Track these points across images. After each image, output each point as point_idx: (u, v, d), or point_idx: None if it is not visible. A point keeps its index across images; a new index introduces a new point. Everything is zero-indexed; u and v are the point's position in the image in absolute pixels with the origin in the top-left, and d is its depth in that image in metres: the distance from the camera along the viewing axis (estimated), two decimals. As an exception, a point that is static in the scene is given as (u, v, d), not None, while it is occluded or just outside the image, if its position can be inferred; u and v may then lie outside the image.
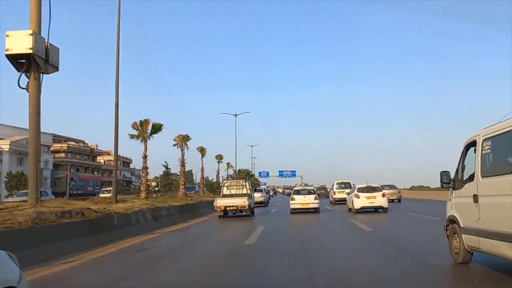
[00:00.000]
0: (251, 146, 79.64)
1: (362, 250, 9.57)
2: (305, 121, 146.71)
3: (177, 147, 30.01)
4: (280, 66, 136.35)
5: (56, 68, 11.32)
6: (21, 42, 10.36)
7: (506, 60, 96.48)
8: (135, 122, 21.90)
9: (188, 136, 30.32)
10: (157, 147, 51.79)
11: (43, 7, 11.19)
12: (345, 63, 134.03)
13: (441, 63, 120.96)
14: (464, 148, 6.85)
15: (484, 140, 6.02)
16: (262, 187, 53.25)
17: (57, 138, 71.07)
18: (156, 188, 72.97)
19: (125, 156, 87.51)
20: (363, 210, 21.36)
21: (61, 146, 70.51)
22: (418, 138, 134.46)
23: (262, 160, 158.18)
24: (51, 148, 67.26)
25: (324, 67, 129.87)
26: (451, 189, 7.19)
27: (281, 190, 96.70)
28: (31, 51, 10.34)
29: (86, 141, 78.52)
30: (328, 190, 41.53)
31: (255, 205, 26.26)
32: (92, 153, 78.57)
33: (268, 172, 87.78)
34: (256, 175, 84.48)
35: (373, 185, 22.32)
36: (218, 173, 50.74)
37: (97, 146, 78.87)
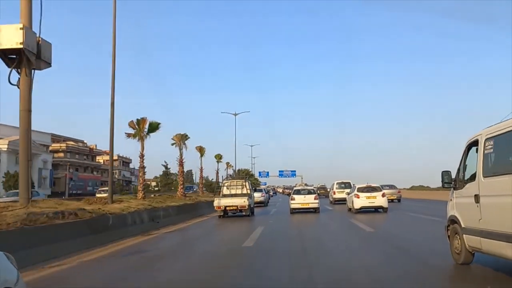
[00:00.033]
0: (251, 146, 79.71)
1: (362, 250, 9.51)
2: (305, 121, 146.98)
3: (175, 146, 29.81)
4: (280, 66, 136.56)
5: (48, 64, 10.99)
6: (11, 36, 9.97)
7: (506, 60, 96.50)
8: (132, 121, 21.55)
9: (187, 135, 30.03)
10: (157, 147, 51.87)
11: (34, 1, 10.84)
12: (345, 63, 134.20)
13: (441, 63, 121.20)
14: (466, 147, 6.79)
15: (486, 139, 5.95)
16: (262, 187, 53.14)
17: (56, 138, 70.99)
18: (156, 188, 72.83)
19: (124, 156, 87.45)
20: (363, 210, 21.31)
21: (60, 146, 70.24)
22: (418, 138, 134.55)
23: (262, 160, 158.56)
24: (50, 148, 67.26)
25: (324, 67, 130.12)
26: (452, 189, 7.12)
27: (281, 190, 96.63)
28: (21, 46, 9.97)
29: (85, 141, 78.44)
30: (328, 190, 41.44)
31: (255, 205, 26.21)
32: (92, 153, 78.43)
33: (268, 172, 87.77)
34: (256, 175, 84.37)
35: (373, 185, 22.27)
36: (217, 173, 50.57)
37: (96, 146, 78.74)
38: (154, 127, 21.92)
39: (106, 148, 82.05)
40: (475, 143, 6.39)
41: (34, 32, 10.62)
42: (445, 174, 7.08)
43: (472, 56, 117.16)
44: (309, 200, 22.51)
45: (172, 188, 63.11)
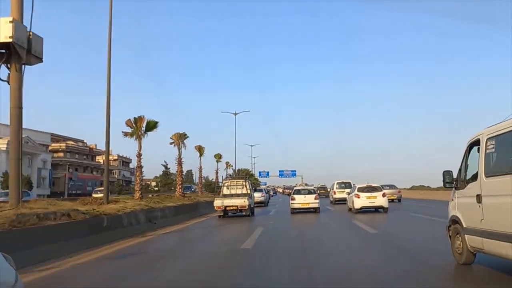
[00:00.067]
0: (251, 146, 79.59)
1: (362, 250, 9.47)
2: (305, 121, 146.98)
3: (174, 145, 29.25)
4: (280, 66, 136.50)
5: (40, 59, 10.64)
6: (0, 30, 9.61)
7: (506, 60, 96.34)
8: (129, 119, 20.93)
9: (185, 134, 29.43)
10: (157, 147, 51.77)
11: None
12: (345, 63, 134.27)
13: (441, 63, 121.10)
14: (467, 147, 6.73)
15: (488, 139, 5.90)
16: (262, 187, 53.01)
17: (55, 138, 70.92)
18: (156, 188, 72.75)
19: (124, 156, 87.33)
20: (364, 210, 21.23)
21: (60, 146, 70.06)
22: (418, 138, 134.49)
23: (263, 160, 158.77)
24: (50, 148, 67.19)
25: (324, 67, 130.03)
26: (453, 189, 7.07)
27: (281, 190, 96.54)
28: (11, 40, 9.61)
29: (85, 141, 78.30)
30: (328, 190, 41.30)
31: (255, 205, 26.16)
32: (91, 153, 78.28)
33: (268, 172, 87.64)
34: (256, 175, 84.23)
35: (373, 185, 22.20)
36: (217, 172, 50.18)
37: (96, 145, 78.47)
38: (151, 125, 21.29)
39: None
40: (476, 142, 6.34)
41: (25, 26, 10.26)
42: (447, 174, 7.03)
43: (472, 56, 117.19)
44: (310, 200, 22.45)
45: (172, 188, 63.02)
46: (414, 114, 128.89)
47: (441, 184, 7.30)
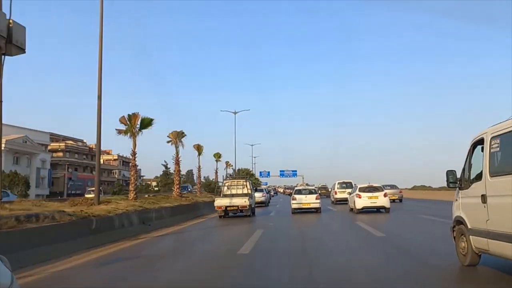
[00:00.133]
0: (252, 145, 79.57)
1: (363, 251, 9.42)
2: (305, 121, 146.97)
3: (171, 144, 28.57)
4: (280, 66, 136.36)
5: (21, 50, 10.19)
6: None
7: (506, 60, 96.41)
8: (123, 116, 20.13)
9: (183, 133, 28.67)
10: (158, 147, 51.62)
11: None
12: (345, 63, 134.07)
13: (441, 63, 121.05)
14: (471, 146, 6.64)
15: (493, 138, 5.82)
16: (263, 186, 53.00)
17: (55, 137, 70.72)
18: (156, 188, 72.64)
19: (125, 156, 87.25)
20: (365, 210, 21.21)
21: (59, 145, 69.80)
22: (418, 138, 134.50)
23: (263, 159, 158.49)
24: (49, 147, 66.92)
25: (324, 67, 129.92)
26: (457, 189, 6.98)
27: (282, 190, 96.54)
28: None
29: (84, 140, 78.12)
30: (329, 190, 41.30)
31: (256, 205, 26.05)
32: (91, 152, 77.83)
33: (269, 172, 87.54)
34: (257, 175, 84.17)
35: (375, 185, 22.15)
36: (216, 172, 49.83)
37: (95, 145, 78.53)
38: (146, 123, 20.58)
39: (106, 147, 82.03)
40: (480, 141, 6.26)
41: (4, 13, 9.84)
42: (450, 173, 6.94)
43: (472, 56, 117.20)
44: (311, 200, 22.43)
45: (172, 188, 62.93)
46: (414, 114, 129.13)
47: (443, 184, 7.29)
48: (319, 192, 27.16)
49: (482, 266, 6.53)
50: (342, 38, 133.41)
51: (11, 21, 10.17)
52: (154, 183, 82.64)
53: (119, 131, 20.36)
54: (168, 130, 28.56)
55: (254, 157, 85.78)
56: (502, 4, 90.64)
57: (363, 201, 20.99)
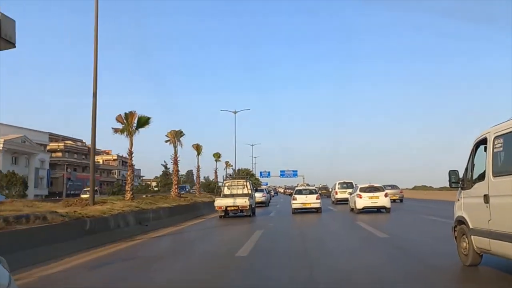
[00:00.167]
0: (252, 145, 79.55)
1: (364, 251, 9.39)
2: (306, 121, 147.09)
3: (170, 143, 28.26)
4: (280, 66, 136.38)
5: (11, 44, 10.20)
6: None
7: (506, 60, 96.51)
8: (120, 115, 19.62)
9: (182, 132, 28.29)
10: (157, 147, 51.58)
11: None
12: (345, 63, 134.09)
13: (441, 63, 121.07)
14: (474, 146, 6.60)
15: (496, 137, 5.78)
16: (263, 187, 52.97)
17: (54, 137, 70.51)
18: (156, 188, 72.61)
19: (124, 156, 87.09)
20: (366, 210, 21.18)
21: (58, 145, 69.42)
22: (418, 138, 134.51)
23: (264, 159, 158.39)
24: (48, 147, 66.65)
25: (324, 67, 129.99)
26: (459, 189, 6.94)
27: (282, 190, 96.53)
28: None
29: (84, 140, 77.88)
30: (330, 190, 41.29)
31: (256, 205, 26.04)
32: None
33: (269, 172, 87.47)
34: (257, 175, 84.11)
35: (375, 185, 22.11)
36: (215, 172, 49.63)
37: (95, 145, 78.41)
38: (143, 121, 20.04)
39: (105, 147, 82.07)
40: (483, 141, 6.22)
41: None
42: (452, 173, 6.89)
43: (472, 56, 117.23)
44: (311, 200, 22.41)
45: (171, 188, 62.84)
46: (414, 114, 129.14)
47: (444, 184, 7.32)
48: (320, 192, 27.14)
49: (484, 266, 6.50)
50: (342, 38, 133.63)
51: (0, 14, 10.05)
52: (154, 183, 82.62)
53: (116, 130, 19.97)
54: (168, 130, 28.39)
55: (255, 157, 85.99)
56: (502, 4, 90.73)
57: (363, 201, 20.97)
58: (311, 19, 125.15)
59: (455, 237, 7.04)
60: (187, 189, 45.41)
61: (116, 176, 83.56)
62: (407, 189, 50.85)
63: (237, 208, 20.67)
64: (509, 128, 5.47)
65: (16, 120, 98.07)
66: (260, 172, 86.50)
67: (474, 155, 6.58)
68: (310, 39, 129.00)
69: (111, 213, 12.98)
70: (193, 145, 36.38)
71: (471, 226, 6.34)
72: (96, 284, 6.87)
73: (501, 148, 5.64)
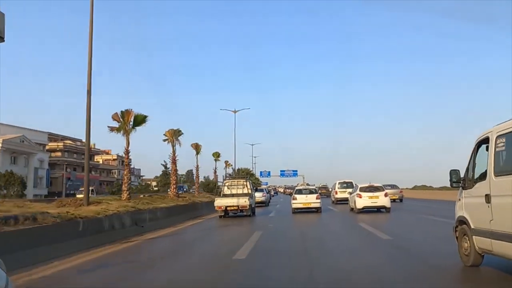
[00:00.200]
0: (252, 145, 79.47)
1: (365, 251, 9.35)
2: (306, 121, 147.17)
3: (168, 142, 27.87)
4: (280, 66, 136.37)
5: (0, 38, 9.91)
6: None
7: (506, 60, 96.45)
8: (116, 113, 19.14)
9: (180, 131, 27.89)
10: (157, 146, 51.55)
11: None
12: (345, 63, 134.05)
13: (441, 63, 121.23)
14: (475, 145, 6.56)
15: (498, 136, 5.73)
16: (263, 186, 52.91)
17: (53, 137, 70.36)
18: (156, 188, 72.55)
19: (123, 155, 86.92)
20: (366, 210, 21.16)
21: (57, 145, 69.17)
22: (418, 138, 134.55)
23: (264, 159, 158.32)
24: (47, 147, 66.54)
25: (324, 67, 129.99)
26: (460, 188, 6.89)
27: (282, 190, 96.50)
28: None
29: (83, 140, 77.65)
30: (330, 189, 41.27)
31: (256, 205, 26.01)
32: (90, 152, 77.39)
33: (269, 172, 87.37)
34: (257, 175, 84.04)
35: (375, 185, 22.07)
36: (215, 171, 49.32)
37: (94, 145, 78.08)
38: (140, 120, 19.50)
39: (105, 147, 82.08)
40: (485, 140, 6.18)
41: None
42: (454, 173, 6.84)
43: (472, 56, 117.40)
44: (311, 200, 22.40)
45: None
46: (414, 114, 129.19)
47: (444, 184, 7.29)
48: (320, 192, 27.13)
49: (485, 266, 6.46)
50: (342, 38, 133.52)
51: None
52: (154, 183, 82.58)
53: (112, 128, 19.55)
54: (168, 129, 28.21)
55: (255, 157, 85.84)
56: (502, 4, 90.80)
57: (363, 200, 20.95)
58: (311, 19, 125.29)
59: (456, 237, 7.00)
60: (184, 189, 45.26)
61: (116, 176, 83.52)
62: (407, 189, 50.84)
63: (237, 208, 20.64)
64: (511, 127, 5.42)
65: (15, 120, 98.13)
66: (260, 172, 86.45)
67: (476, 155, 6.53)
68: (310, 39, 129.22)
69: (105, 214, 12.58)
70: (192, 145, 36.08)
71: (472, 226, 6.30)
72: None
73: (504, 148, 5.60)
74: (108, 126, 19.61)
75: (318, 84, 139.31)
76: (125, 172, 20.64)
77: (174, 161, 28.33)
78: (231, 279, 6.78)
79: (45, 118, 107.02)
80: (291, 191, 37.24)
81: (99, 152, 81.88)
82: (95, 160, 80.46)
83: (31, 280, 6.96)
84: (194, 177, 41.95)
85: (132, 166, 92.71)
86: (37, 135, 62.21)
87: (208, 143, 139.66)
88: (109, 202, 15.91)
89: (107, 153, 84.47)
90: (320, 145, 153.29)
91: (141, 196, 25.52)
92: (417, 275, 6.38)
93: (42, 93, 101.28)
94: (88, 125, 15.05)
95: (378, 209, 21.33)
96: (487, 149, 6.07)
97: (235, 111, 55.03)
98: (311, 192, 23.33)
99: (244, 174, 59.39)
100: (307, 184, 46.48)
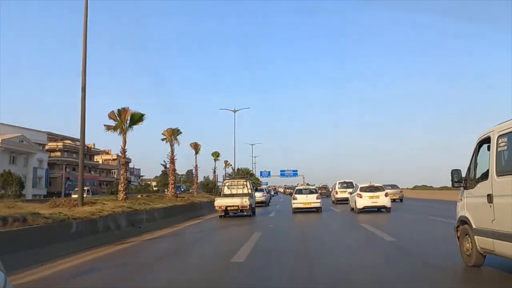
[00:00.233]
0: (252, 145, 79.44)
1: (363, 250, 9.35)
2: (306, 121, 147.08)
3: (166, 142, 27.57)
4: (280, 66, 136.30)
5: None
6: None
7: (506, 60, 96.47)
8: (112, 111, 18.74)
9: (178, 130, 27.59)
10: (157, 146, 51.50)
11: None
12: (345, 63, 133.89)
13: (441, 63, 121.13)
14: (477, 145, 6.52)
15: (500, 136, 5.69)
16: (263, 186, 52.87)
17: (52, 137, 70.28)
18: (155, 188, 72.58)
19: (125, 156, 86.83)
20: (366, 210, 21.13)
21: (57, 145, 69.13)
22: (418, 138, 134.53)
23: (264, 159, 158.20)
24: (46, 147, 66.48)
25: (324, 67, 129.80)
26: (462, 188, 6.86)
27: (282, 190, 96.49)
28: None
29: (83, 140, 77.58)
30: (330, 189, 41.25)
31: (256, 204, 25.98)
32: (89, 152, 77.50)
33: (269, 172, 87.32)
34: (257, 175, 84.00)
35: (375, 185, 22.04)
36: (214, 171, 49.20)
37: (94, 145, 78.05)
38: (137, 118, 19.11)
39: (104, 147, 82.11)
40: (486, 140, 6.14)
41: None
42: (455, 173, 6.80)
43: (472, 55, 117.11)
44: (311, 200, 22.39)
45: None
46: (414, 114, 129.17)
47: (444, 184, 7.25)
48: (319, 192, 27.10)
49: (487, 267, 6.44)
50: (342, 38, 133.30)
51: None
52: (154, 183, 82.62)
53: (108, 127, 19.21)
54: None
55: (255, 157, 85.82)
56: (502, 4, 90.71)
57: (364, 200, 20.92)
58: (311, 19, 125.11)
59: (458, 237, 6.96)
60: (182, 189, 45.15)
61: (115, 176, 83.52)
62: (407, 189, 50.83)
63: (237, 207, 20.62)
64: None
65: (15, 119, 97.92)
66: (260, 172, 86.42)
67: (477, 154, 6.50)
68: (310, 39, 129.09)
69: (100, 215, 12.25)
70: (191, 144, 35.88)
71: (474, 226, 6.27)
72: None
73: (505, 147, 5.56)
74: (105, 125, 19.26)
75: (318, 84, 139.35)
76: (122, 172, 20.27)
77: (172, 161, 28.00)
78: (231, 279, 6.74)
79: (45, 118, 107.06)
80: (291, 191, 37.23)
81: (98, 152, 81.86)
82: (95, 160, 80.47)
83: (15, 286, 6.55)
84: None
85: (132, 166, 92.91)
86: (36, 135, 62.15)
87: (208, 143, 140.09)
88: (104, 202, 15.52)
89: (107, 153, 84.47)
90: (320, 145, 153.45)
91: (139, 196, 25.21)
92: (418, 275, 6.36)
93: (41, 93, 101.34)
94: (83, 121, 14.73)
95: (379, 209, 21.29)
96: (488, 148, 6.03)
97: (234, 111, 55.02)
98: (311, 192, 23.33)
99: (244, 174, 59.36)
100: (307, 184, 46.44)
